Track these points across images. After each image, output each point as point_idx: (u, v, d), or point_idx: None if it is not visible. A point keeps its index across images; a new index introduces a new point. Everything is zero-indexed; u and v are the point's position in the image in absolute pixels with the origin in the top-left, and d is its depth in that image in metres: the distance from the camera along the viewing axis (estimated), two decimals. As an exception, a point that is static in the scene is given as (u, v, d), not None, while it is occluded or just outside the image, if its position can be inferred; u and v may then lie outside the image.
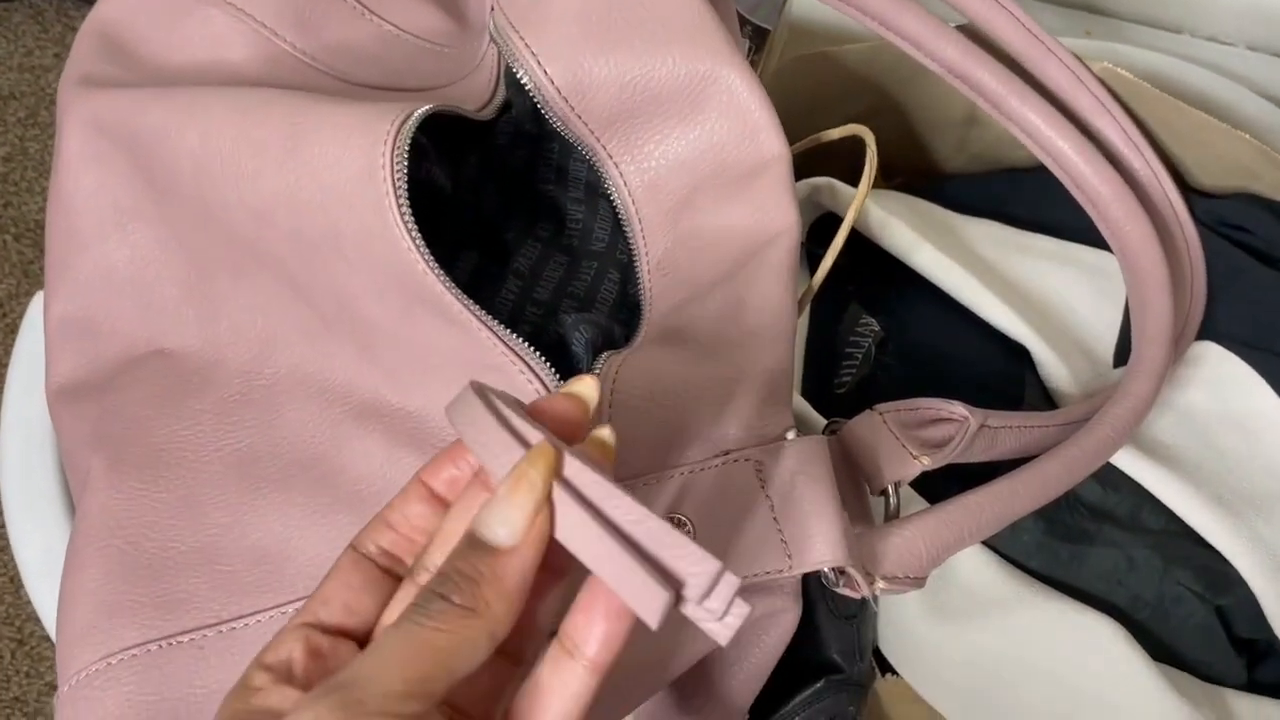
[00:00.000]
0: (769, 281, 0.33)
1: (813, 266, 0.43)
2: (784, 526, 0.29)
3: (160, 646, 0.32)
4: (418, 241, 0.30)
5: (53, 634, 0.37)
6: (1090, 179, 0.43)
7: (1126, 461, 0.39)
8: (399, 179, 0.30)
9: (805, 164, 0.40)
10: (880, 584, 0.30)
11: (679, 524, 0.30)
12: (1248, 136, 0.44)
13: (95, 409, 0.37)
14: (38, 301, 0.49)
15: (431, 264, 0.30)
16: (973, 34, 0.44)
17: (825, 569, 0.29)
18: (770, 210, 0.34)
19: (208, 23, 0.39)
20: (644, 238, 0.36)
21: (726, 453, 0.30)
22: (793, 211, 0.34)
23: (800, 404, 0.39)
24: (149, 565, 0.33)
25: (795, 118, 0.51)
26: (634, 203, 0.36)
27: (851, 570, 0.29)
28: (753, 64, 0.50)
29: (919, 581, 0.31)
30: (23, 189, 0.88)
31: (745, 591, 0.30)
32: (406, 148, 0.30)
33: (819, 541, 0.29)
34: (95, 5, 0.41)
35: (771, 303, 0.32)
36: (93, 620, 0.33)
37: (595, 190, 0.41)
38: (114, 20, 0.40)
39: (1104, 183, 0.42)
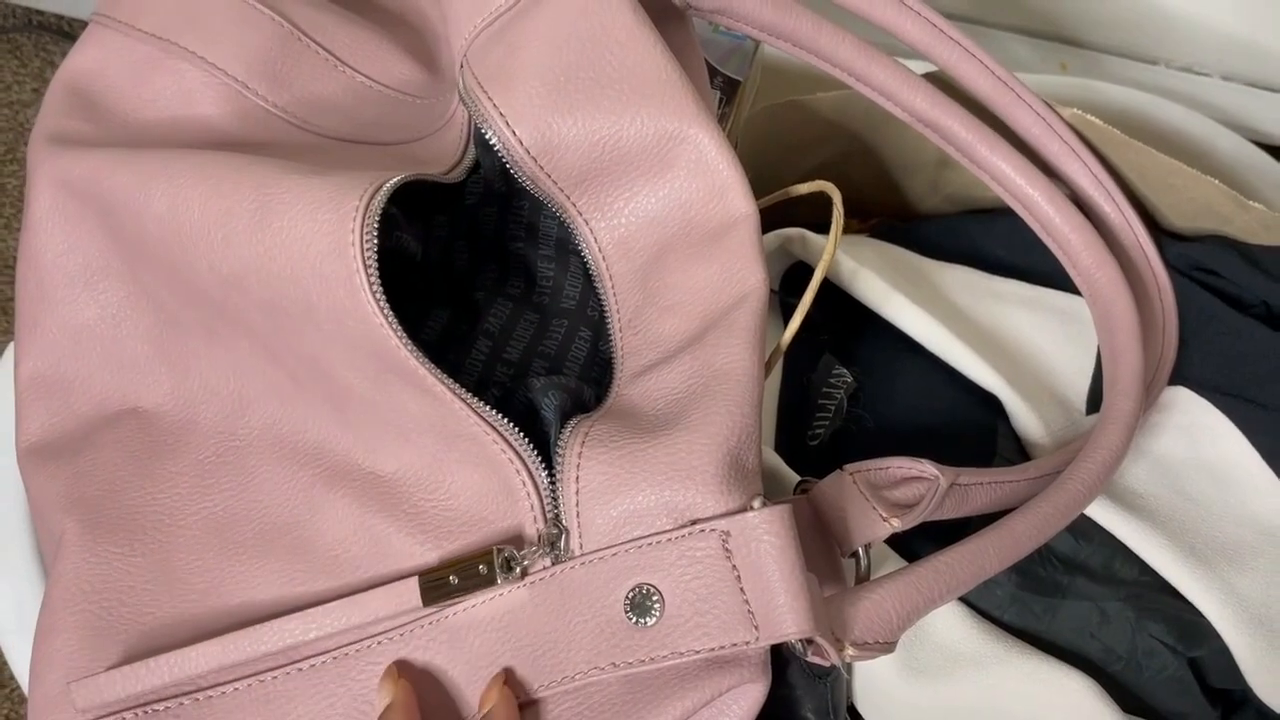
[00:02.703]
0: (737, 345, 0.33)
1: (785, 315, 0.43)
2: (750, 598, 0.29)
3: (136, 715, 0.32)
4: (390, 318, 0.30)
5: (26, 689, 0.36)
6: (1060, 226, 0.43)
7: (1099, 512, 0.39)
8: (369, 255, 0.30)
9: (779, 206, 0.40)
10: (850, 651, 0.30)
11: (647, 594, 0.30)
12: (1217, 181, 0.44)
13: (68, 470, 0.36)
14: (9, 355, 0.49)
15: (404, 339, 0.30)
16: (941, 82, 0.44)
17: (793, 640, 0.29)
18: (738, 270, 0.34)
19: (179, 77, 0.39)
20: (615, 295, 0.36)
21: (693, 522, 0.30)
22: (761, 271, 0.34)
23: (773, 459, 0.39)
24: (124, 632, 0.33)
25: (768, 164, 0.51)
26: (604, 260, 0.36)
27: (820, 640, 0.29)
28: (723, 116, 0.50)
29: (889, 647, 0.31)
30: (1, 225, 0.87)
31: (711, 664, 0.30)
32: (376, 223, 0.30)
33: (786, 613, 0.28)
34: (67, 56, 0.41)
35: (739, 367, 0.32)
36: (66, 689, 0.33)
37: (566, 247, 0.41)
38: (85, 72, 0.40)
39: (1074, 230, 0.43)
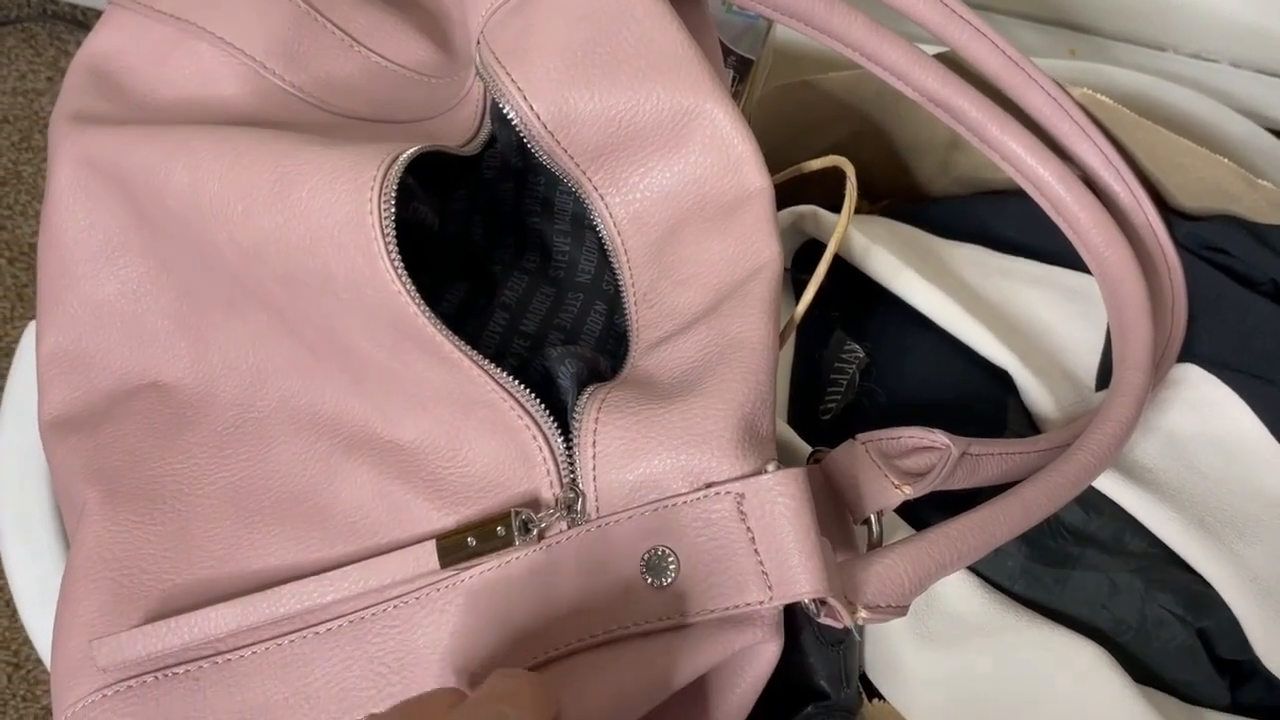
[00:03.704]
0: (752, 314, 0.33)
1: (798, 292, 0.44)
2: (764, 558, 0.29)
3: (156, 678, 0.33)
4: (408, 285, 0.31)
5: (48, 662, 0.37)
6: (1070, 205, 0.43)
7: (1109, 485, 0.39)
8: (386, 224, 0.30)
9: (790, 188, 0.41)
10: (862, 613, 0.30)
11: (663, 556, 0.30)
12: (1226, 160, 0.45)
13: (90, 442, 0.37)
14: (30, 332, 0.49)
15: (422, 306, 0.31)
16: (952, 62, 0.44)
17: (806, 600, 0.29)
18: (753, 243, 0.35)
19: (197, 58, 0.39)
20: (630, 269, 0.36)
21: (709, 485, 0.30)
22: (775, 244, 0.35)
23: (786, 432, 0.39)
24: (144, 599, 0.34)
25: (780, 144, 0.51)
26: (620, 234, 0.36)
27: (833, 600, 0.29)
28: (736, 94, 0.51)
29: (901, 610, 0.31)
30: (16, 212, 0.88)
31: (726, 624, 0.31)
32: (394, 192, 0.31)
33: (799, 573, 0.29)
34: (87, 38, 0.42)
35: (754, 335, 0.33)
36: (87, 652, 0.33)
37: (581, 222, 0.42)
38: (105, 54, 0.41)
39: (1084, 209, 0.43)
